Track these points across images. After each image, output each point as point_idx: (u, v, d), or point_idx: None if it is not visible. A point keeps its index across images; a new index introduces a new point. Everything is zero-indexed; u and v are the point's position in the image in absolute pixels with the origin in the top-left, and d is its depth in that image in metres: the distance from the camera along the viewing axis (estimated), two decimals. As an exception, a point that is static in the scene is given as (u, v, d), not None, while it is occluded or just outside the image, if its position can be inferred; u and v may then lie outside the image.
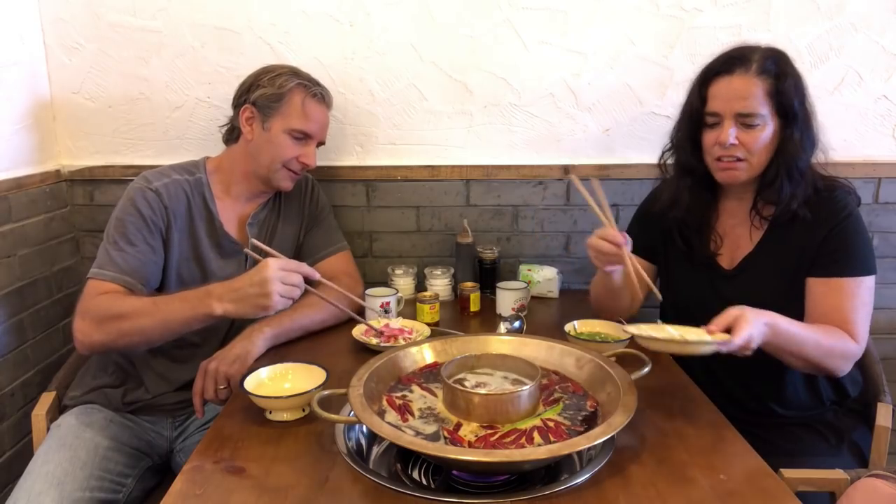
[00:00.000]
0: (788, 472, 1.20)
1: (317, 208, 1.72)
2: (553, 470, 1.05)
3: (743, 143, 1.34)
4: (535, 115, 1.88)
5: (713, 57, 1.39)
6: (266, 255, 1.31)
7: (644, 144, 1.87)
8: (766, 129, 1.33)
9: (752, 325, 1.13)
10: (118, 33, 1.82)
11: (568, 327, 1.46)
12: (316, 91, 1.55)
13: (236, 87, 1.59)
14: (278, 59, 1.82)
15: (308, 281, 1.32)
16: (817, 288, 1.35)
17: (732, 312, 1.15)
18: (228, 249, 1.54)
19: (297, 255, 1.69)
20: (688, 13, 1.80)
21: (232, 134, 1.59)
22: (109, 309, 1.33)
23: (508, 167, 1.91)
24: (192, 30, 1.82)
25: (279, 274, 1.24)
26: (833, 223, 1.34)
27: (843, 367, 1.31)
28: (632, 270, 1.32)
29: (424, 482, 1.03)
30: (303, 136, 1.54)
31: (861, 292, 1.32)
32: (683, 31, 1.81)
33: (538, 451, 0.95)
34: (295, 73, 1.55)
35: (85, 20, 1.81)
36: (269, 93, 1.50)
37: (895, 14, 1.79)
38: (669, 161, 1.51)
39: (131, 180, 1.48)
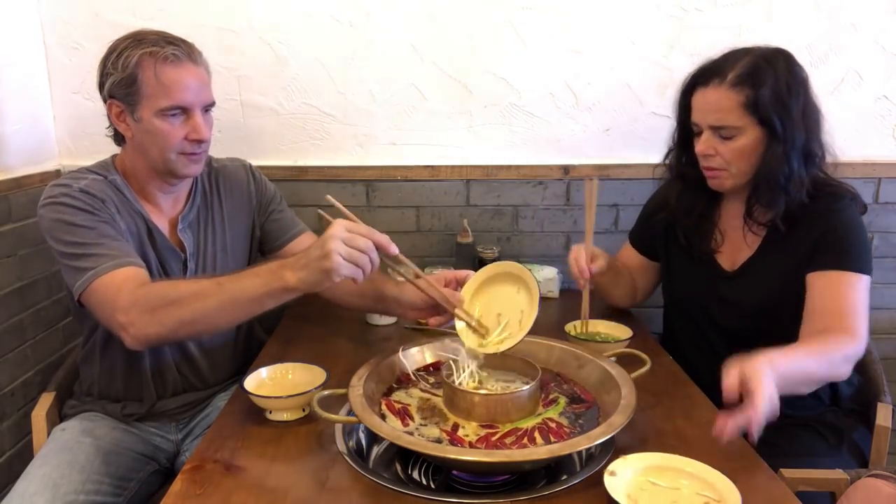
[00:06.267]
0: (788, 472, 1.20)
1: (266, 196, 1.55)
2: (553, 470, 1.05)
3: (720, 154, 1.34)
4: (535, 115, 1.88)
5: (705, 61, 1.38)
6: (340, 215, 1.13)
7: (644, 144, 1.86)
8: (744, 140, 1.32)
9: (765, 386, 0.98)
10: (118, 33, 1.79)
11: (568, 327, 1.46)
12: (167, 53, 1.27)
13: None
14: (278, 59, 1.82)
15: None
16: (817, 281, 1.32)
17: (732, 375, 1.00)
18: (169, 256, 1.40)
19: (259, 248, 1.58)
20: (688, 13, 1.79)
21: (117, 134, 1.37)
22: (162, 296, 1.17)
23: (508, 167, 1.91)
24: (192, 30, 1.80)
25: (343, 234, 1.06)
26: (831, 221, 1.33)
27: (848, 371, 1.26)
28: (585, 303, 1.44)
29: (424, 482, 1.03)
30: (179, 112, 1.29)
31: (860, 289, 1.30)
32: (683, 31, 1.81)
33: (538, 451, 0.95)
34: (138, 40, 1.28)
35: (85, 20, 1.81)
36: (118, 78, 1.26)
37: (895, 14, 1.79)
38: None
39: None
